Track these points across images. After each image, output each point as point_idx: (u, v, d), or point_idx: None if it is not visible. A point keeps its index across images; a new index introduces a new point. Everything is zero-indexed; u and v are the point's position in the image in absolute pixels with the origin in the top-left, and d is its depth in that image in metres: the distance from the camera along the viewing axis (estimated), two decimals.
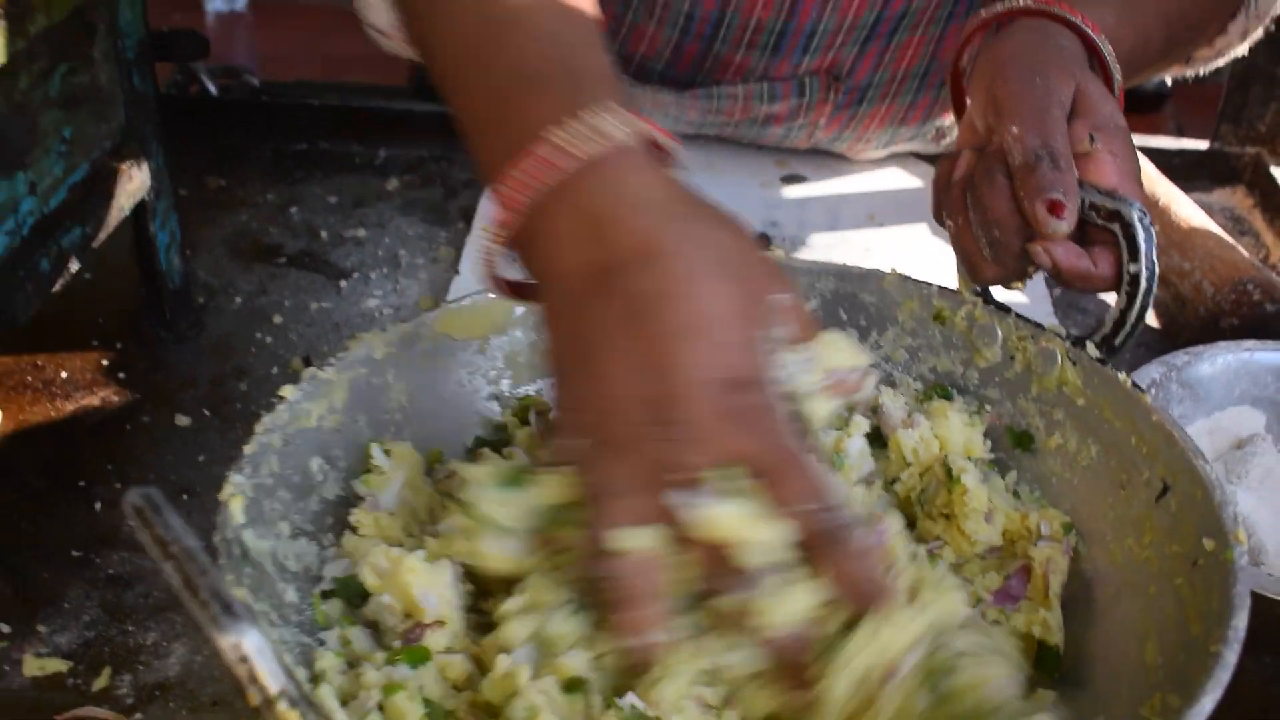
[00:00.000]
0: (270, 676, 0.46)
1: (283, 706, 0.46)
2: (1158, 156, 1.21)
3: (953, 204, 0.77)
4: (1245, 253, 1.05)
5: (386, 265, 1.12)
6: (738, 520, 0.56)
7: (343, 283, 1.10)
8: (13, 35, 0.76)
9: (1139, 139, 1.27)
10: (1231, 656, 0.58)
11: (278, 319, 1.05)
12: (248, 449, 0.65)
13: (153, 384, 0.99)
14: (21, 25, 0.76)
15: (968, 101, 0.81)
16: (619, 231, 0.58)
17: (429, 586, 0.63)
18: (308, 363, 1.00)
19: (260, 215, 1.19)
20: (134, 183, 0.94)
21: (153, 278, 1.01)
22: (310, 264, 1.13)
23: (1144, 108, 2.36)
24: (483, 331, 0.78)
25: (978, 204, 0.75)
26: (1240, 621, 0.60)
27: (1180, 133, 1.49)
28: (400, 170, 1.26)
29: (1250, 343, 0.89)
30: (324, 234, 1.17)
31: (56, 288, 0.85)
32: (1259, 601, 0.72)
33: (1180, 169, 1.21)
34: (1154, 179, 1.13)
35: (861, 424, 0.76)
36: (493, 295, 0.72)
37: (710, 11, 1.08)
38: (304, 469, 0.69)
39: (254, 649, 0.45)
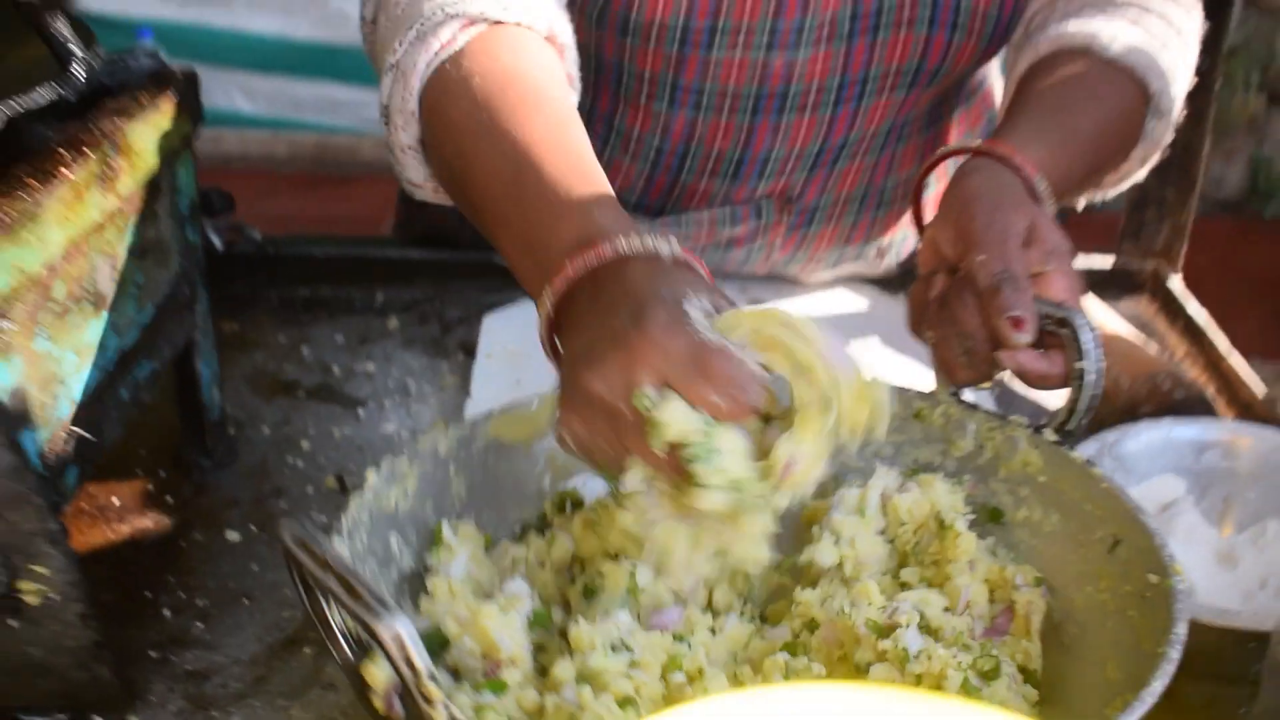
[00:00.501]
0: (420, 657, 0.59)
1: (428, 683, 0.60)
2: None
3: (931, 320, 0.92)
4: (1154, 350, 1.21)
5: (398, 394, 1.24)
6: None
7: (360, 410, 1.22)
8: (106, 194, 0.88)
9: None
10: (1175, 654, 0.71)
11: (305, 445, 1.16)
12: (345, 520, 0.78)
13: (199, 506, 1.09)
14: (114, 186, 0.88)
15: (929, 226, 0.96)
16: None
17: (503, 629, 0.76)
18: (340, 481, 1.11)
19: (275, 355, 1.31)
20: (185, 323, 1.06)
21: (195, 410, 1.11)
22: (327, 396, 1.24)
23: None
24: (527, 436, 0.90)
25: (952, 320, 0.91)
26: (1181, 629, 0.73)
27: (1074, 253, 1.68)
28: (398, 310, 1.38)
29: (1168, 420, 1.04)
30: (336, 369, 1.28)
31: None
32: (1197, 628, 0.85)
33: (1090, 283, 1.37)
34: None
35: (878, 484, 0.89)
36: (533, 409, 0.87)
37: (677, 145, 1.23)
38: (385, 543, 0.82)
39: (408, 634, 0.58)
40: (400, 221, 1.54)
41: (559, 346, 0.82)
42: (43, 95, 0.83)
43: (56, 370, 0.85)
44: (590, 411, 0.75)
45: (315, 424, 1.20)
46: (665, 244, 0.80)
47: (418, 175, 0.99)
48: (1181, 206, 1.41)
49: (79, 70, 0.85)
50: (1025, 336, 0.88)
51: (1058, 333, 0.89)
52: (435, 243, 1.46)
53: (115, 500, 1.09)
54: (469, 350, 1.30)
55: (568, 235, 0.82)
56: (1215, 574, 0.98)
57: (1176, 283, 1.43)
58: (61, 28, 0.85)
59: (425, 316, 1.38)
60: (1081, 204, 1.21)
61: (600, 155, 0.95)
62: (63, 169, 0.82)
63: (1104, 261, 1.47)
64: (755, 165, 1.24)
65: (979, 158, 0.99)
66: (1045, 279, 0.90)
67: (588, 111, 1.06)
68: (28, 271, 0.78)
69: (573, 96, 0.99)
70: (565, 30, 1.01)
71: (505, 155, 0.88)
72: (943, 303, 0.92)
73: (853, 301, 1.38)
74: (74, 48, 0.85)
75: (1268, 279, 3.72)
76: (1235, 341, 1.32)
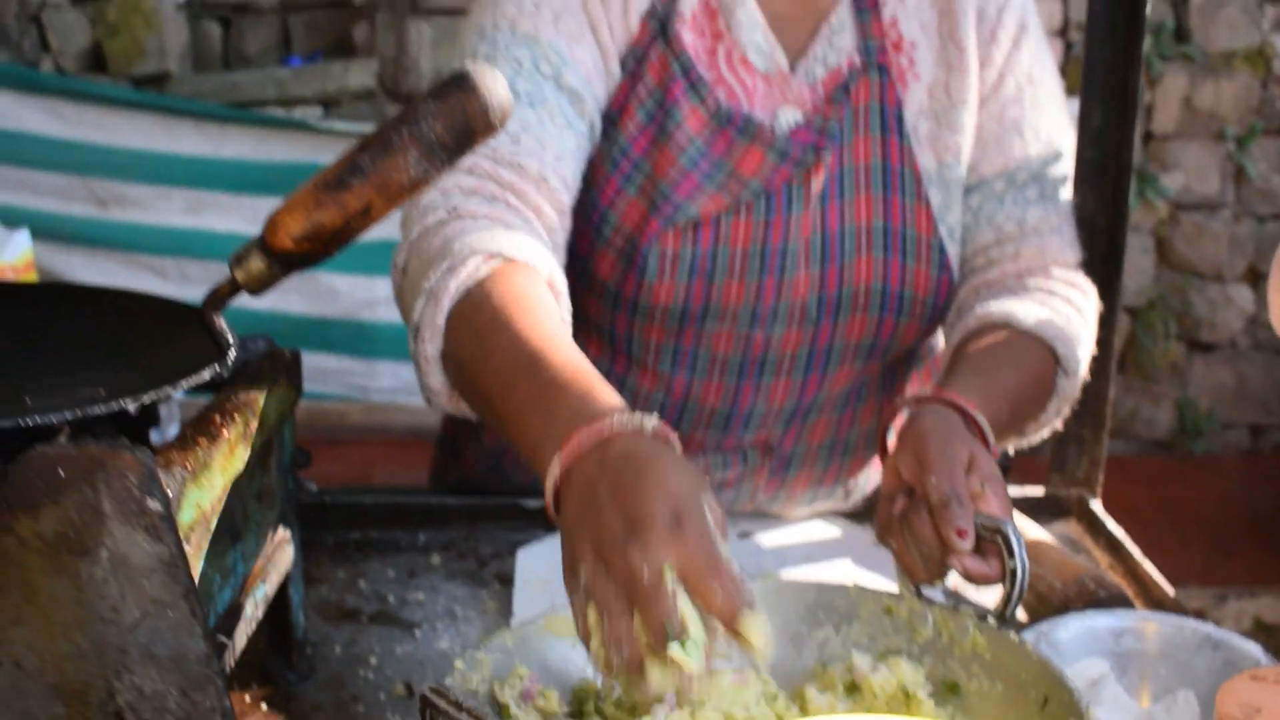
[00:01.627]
0: None
1: None
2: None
3: (894, 532, 1.17)
4: (1081, 559, 1.45)
5: (446, 618, 1.46)
6: None
7: (416, 632, 1.43)
8: (247, 449, 1.12)
9: None
10: None
11: (373, 660, 1.37)
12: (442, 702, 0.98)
13: (291, 710, 1.29)
14: (250, 443, 1.13)
15: (891, 456, 1.21)
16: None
17: None
18: (408, 688, 1.31)
19: (336, 588, 1.53)
20: (285, 555, 1.28)
21: (285, 630, 1.33)
22: (386, 620, 1.46)
23: None
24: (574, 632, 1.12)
25: (911, 531, 1.16)
26: None
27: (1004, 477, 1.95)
28: (439, 549, 1.61)
29: (1092, 612, 1.28)
30: (391, 598, 1.50)
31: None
32: None
33: (1026, 509, 1.63)
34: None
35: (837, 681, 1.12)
36: None
37: (677, 401, 1.49)
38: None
39: None
40: (435, 472, 1.79)
41: (558, 504, 1.01)
42: (207, 374, 1.08)
43: (209, 588, 1.07)
44: (609, 573, 0.92)
45: (379, 643, 1.41)
46: (651, 421, 1.01)
47: (436, 382, 1.23)
48: (1096, 443, 1.68)
49: (232, 355, 1.11)
50: (967, 544, 1.13)
51: (993, 540, 1.14)
52: (466, 490, 1.70)
53: None
54: (504, 580, 1.52)
55: (573, 409, 1.03)
56: None
57: (1097, 505, 1.68)
58: (220, 323, 1.10)
59: (463, 553, 1.61)
60: (1012, 448, 1.47)
61: None
62: (224, 430, 1.07)
63: (1037, 491, 1.73)
64: (741, 419, 1.50)
65: (931, 403, 1.25)
66: (982, 498, 1.16)
67: (604, 373, 1.33)
68: (202, 508, 1.02)
69: (567, 326, 1.24)
70: (561, 280, 1.28)
71: (518, 349, 1.12)
72: (903, 518, 1.16)
73: (827, 531, 1.63)
74: (230, 338, 1.11)
75: (1200, 513, 4.01)
76: (1171, 571, 1.56)
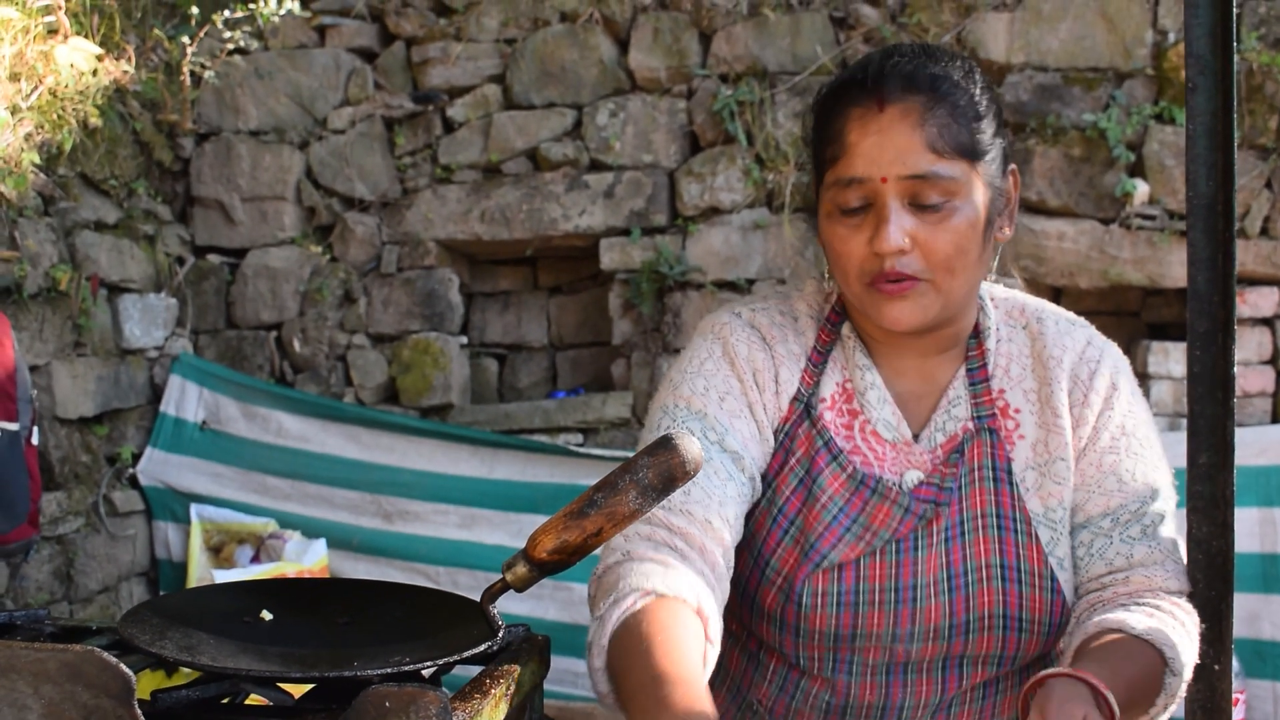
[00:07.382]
0: None
1: None
2: None
3: None
4: None
5: None
6: None
7: None
8: (506, 704, 1.52)
9: None
10: None
11: None
12: None
13: None
14: (512, 701, 1.53)
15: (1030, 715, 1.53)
16: None
17: None
18: None
19: None
20: None
21: None
22: None
23: None
24: None
25: None
26: None
27: None
28: None
29: None
30: None
31: None
32: None
33: None
34: None
35: None
36: None
37: (840, 699, 1.82)
38: None
39: None
40: None
41: None
42: (482, 648, 1.50)
43: None
44: None
45: None
46: None
47: (603, 688, 1.60)
48: None
49: (502, 634, 1.53)
50: None
51: None
52: None
53: None
54: None
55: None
56: None
57: None
58: (493, 611, 1.53)
59: None
60: None
61: (790, 707, 1.53)
62: (493, 690, 1.48)
63: None
64: (895, 712, 1.82)
65: (1063, 678, 1.56)
66: None
67: (784, 678, 1.67)
68: None
69: (710, 650, 1.59)
70: (710, 606, 1.62)
71: (648, 670, 1.48)
72: None
73: None
74: (500, 623, 1.54)
75: None
76: None
